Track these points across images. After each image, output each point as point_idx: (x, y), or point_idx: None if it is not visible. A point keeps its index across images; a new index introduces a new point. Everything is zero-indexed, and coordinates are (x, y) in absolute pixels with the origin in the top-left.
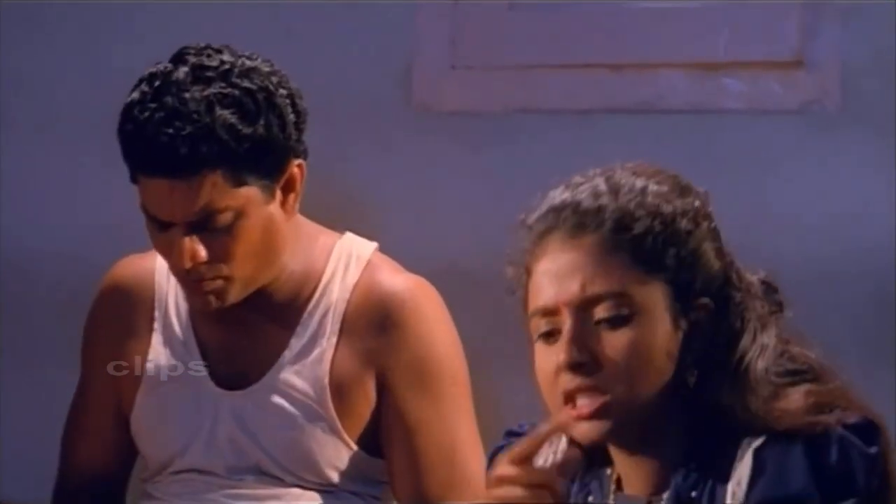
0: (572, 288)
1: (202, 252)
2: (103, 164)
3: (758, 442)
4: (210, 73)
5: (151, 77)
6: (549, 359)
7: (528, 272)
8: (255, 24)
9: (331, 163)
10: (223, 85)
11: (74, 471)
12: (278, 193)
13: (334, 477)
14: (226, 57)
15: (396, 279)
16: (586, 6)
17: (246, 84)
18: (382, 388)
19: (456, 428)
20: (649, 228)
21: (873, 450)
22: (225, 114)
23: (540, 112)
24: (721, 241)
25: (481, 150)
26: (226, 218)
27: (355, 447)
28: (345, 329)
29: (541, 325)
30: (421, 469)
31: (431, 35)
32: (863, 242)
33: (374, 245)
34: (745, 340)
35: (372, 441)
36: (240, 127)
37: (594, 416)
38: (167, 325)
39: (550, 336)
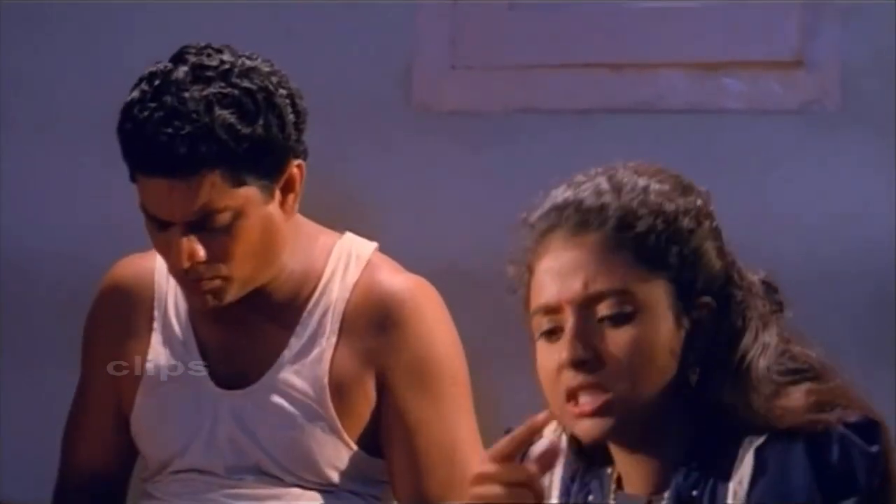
0: (575, 286)
1: (201, 252)
2: (103, 164)
3: (759, 441)
4: (210, 73)
5: (151, 76)
6: (551, 357)
7: (530, 270)
8: (255, 24)
9: (331, 163)
10: (223, 85)
11: (75, 471)
12: (277, 193)
13: (334, 477)
14: (226, 57)
15: (396, 279)
16: (586, 6)
17: (245, 84)
18: (382, 388)
19: (456, 428)
20: (652, 227)
21: (874, 448)
22: (224, 114)
23: (540, 112)
24: (722, 241)
25: (481, 150)
26: (224, 218)
27: (355, 447)
28: (344, 329)
29: (543, 323)
30: (421, 469)
31: (431, 35)
32: (863, 242)
33: (373, 245)
34: (747, 339)
35: (372, 441)
36: (239, 127)
37: (596, 413)
38: (167, 325)
39: (552, 334)
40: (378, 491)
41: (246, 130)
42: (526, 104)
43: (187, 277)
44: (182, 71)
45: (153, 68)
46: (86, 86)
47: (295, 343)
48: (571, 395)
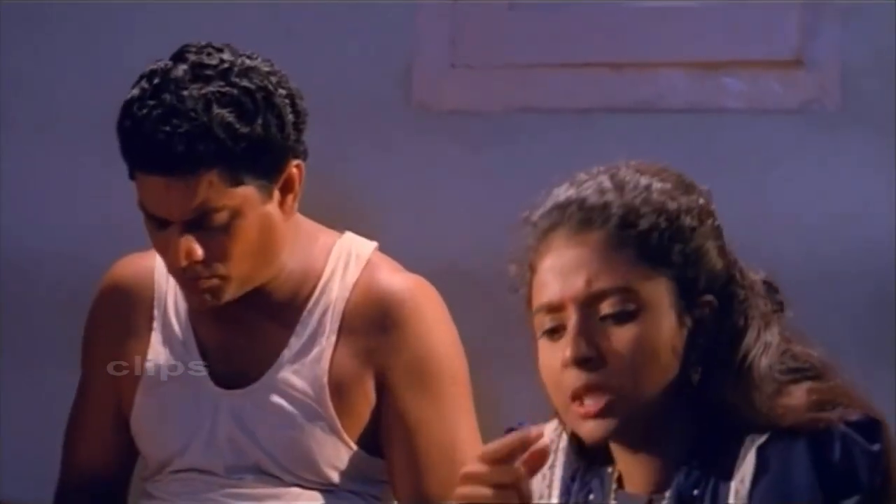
0: (578, 283)
1: (198, 251)
2: (103, 164)
3: (761, 439)
4: (209, 72)
5: (151, 74)
6: (553, 355)
7: (533, 269)
8: (255, 24)
9: (331, 162)
10: (222, 84)
11: (75, 471)
12: (276, 193)
13: (334, 476)
14: (226, 56)
15: (396, 278)
16: (586, 6)
17: (245, 83)
18: (382, 388)
19: (456, 427)
20: (655, 225)
21: (876, 447)
22: (222, 112)
23: (540, 111)
24: (723, 240)
25: (481, 149)
26: (222, 217)
27: (354, 446)
28: (344, 328)
29: (545, 321)
30: (421, 469)
31: (431, 34)
32: (863, 242)
33: (373, 244)
34: (749, 338)
35: (371, 440)
36: (237, 126)
37: (601, 414)
38: (166, 325)
39: (555, 332)
40: (378, 490)
41: (244, 130)
42: (526, 104)
43: (185, 276)
44: (181, 69)
45: (153, 66)
46: (86, 86)
47: (295, 342)
48: (576, 396)
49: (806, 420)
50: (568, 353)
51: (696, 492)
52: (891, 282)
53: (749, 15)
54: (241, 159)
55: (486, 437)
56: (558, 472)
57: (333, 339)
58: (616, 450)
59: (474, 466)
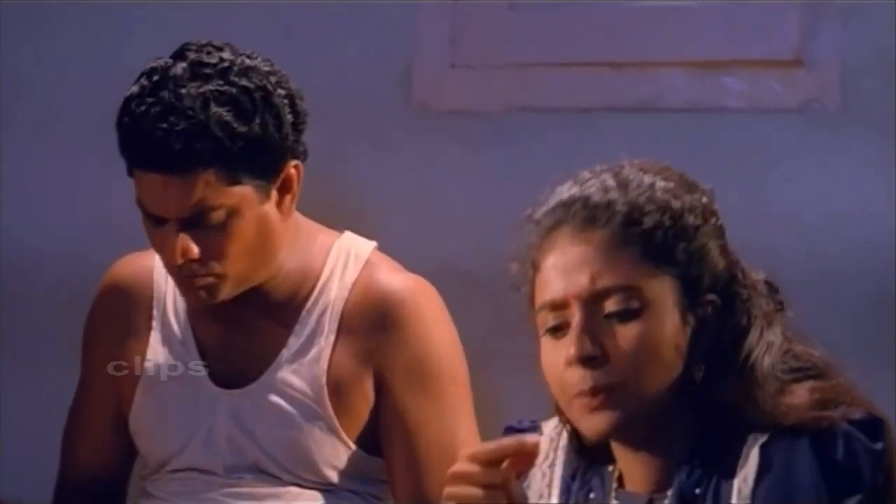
0: (582, 281)
1: (194, 249)
2: (103, 164)
3: (763, 438)
4: (208, 70)
5: (151, 71)
6: (557, 353)
7: (536, 267)
8: (255, 24)
9: (330, 162)
10: (220, 82)
11: (75, 470)
12: (274, 194)
13: (333, 476)
14: (226, 55)
15: (395, 278)
16: (586, 5)
17: (243, 82)
18: (381, 388)
19: (456, 428)
20: (659, 223)
21: (878, 445)
22: (220, 111)
23: (540, 111)
24: (726, 239)
25: (481, 149)
26: (219, 216)
27: (353, 446)
28: (343, 328)
29: (548, 319)
30: (420, 469)
31: (431, 34)
32: (863, 242)
33: (372, 244)
34: (752, 337)
35: (370, 440)
36: (235, 125)
37: (604, 409)
38: (165, 324)
39: (558, 330)
40: (377, 490)
41: (242, 129)
42: (526, 103)
43: (181, 274)
44: (181, 67)
45: (153, 64)
46: (86, 86)
47: (293, 342)
48: (581, 394)
49: (809, 419)
50: (572, 350)
51: (697, 490)
52: (891, 282)
53: (749, 15)
54: (238, 158)
55: (486, 437)
56: (558, 471)
57: (332, 338)
58: (617, 448)
59: (464, 466)
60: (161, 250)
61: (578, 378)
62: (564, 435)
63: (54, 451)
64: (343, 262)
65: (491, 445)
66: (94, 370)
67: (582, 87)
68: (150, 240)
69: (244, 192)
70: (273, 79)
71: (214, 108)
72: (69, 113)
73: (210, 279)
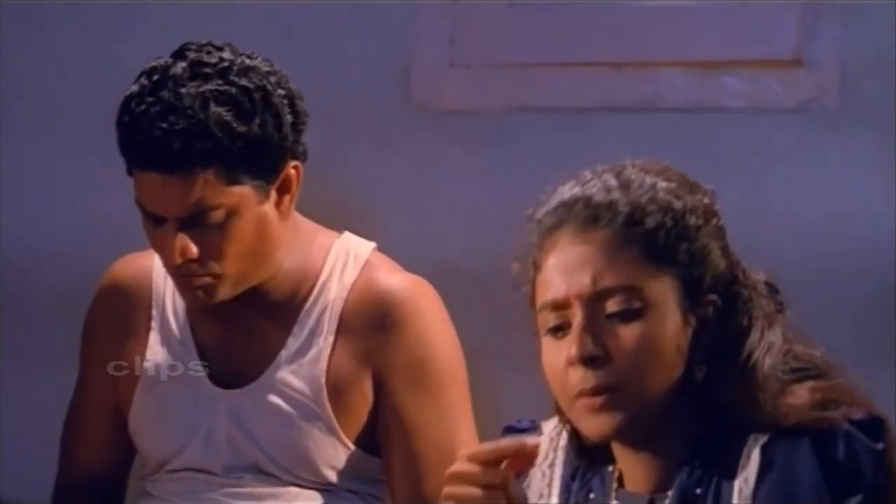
0: (584, 281)
1: (193, 249)
2: (103, 163)
3: (764, 438)
4: (208, 70)
5: (151, 71)
6: (558, 353)
7: (537, 267)
8: (255, 24)
9: (330, 162)
10: (220, 82)
11: (74, 469)
12: (273, 194)
13: (332, 476)
14: (226, 54)
15: (394, 278)
16: (586, 5)
17: (243, 82)
18: (380, 388)
19: (455, 428)
20: (661, 223)
21: (880, 445)
22: (220, 111)
23: (540, 111)
24: (727, 240)
25: (481, 149)
26: (218, 215)
27: (352, 446)
28: (342, 328)
29: (550, 319)
30: (419, 469)
31: (431, 34)
32: (863, 242)
33: (372, 244)
34: (753, 338)
35: (369, 440)
36: (234, 125)
37: (606, 410)
38: (165, 324)
39: (559, 330)
40: (376, 490)
41: (241, 129)
42: (526, 103)
43: (179, 273)
44: (180, 67)
45: (153, 63)
46: (86, 86)
47: (292, 342)
48: (582, 394)
49: (810, 419)
50: (573, 350)
51: (698, 490)
52: (891, 282)
53: (749, 15)
54: (237, 158)
55: (485, 437)
56: (558, 471)
57: (331, 339)
58: (617, 448)
59: (463, 466)
60: (160, 250)
61: (580, 378)
62: (564, 435)
63: (54, 451)
64: (342, 262)
65: (490, 446)
66: (92, 370)
67: (582, 86)
68: (149, 239)
69: (243, 192)
70: (273, 79)
71: (214, 108)
72: (69, 113)
73: (208, 279)
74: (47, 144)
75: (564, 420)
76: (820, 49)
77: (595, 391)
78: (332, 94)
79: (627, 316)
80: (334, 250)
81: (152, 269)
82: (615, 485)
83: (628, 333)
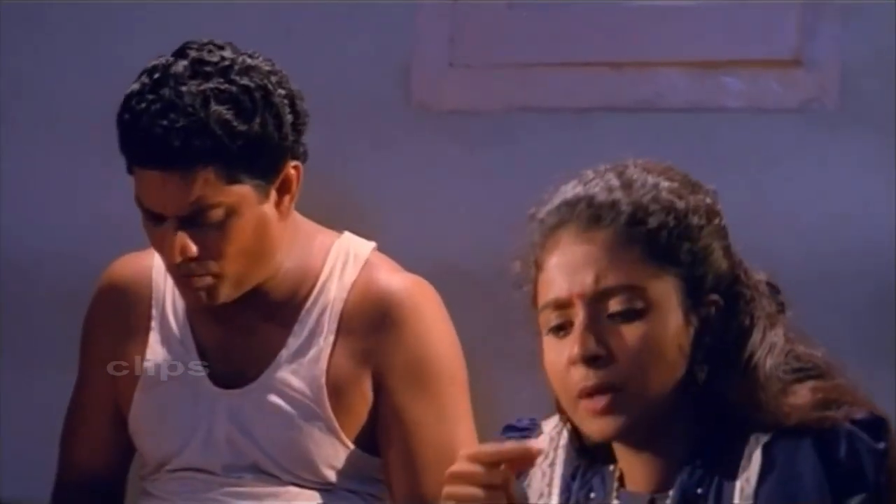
0: (586, 280)
1: (192, 247)
2: (103, 163)
3: (766, 438)
4: (209, 69)
5: (152, 69)
6: (560, 352)
7: (539, 266)
8: (255, 24)
9: (330, 162)
10: (221, 81)
11: (73, 469)
12: (273, 194)
13: (332, 476)
14: (227, 53)
15: (394, 278)
16: (586, 5)
17: (244, 81)
18: (380, 388)
19: (454, 428)
20: (663, 223)
21: (881, 445)
22: (220, 109)
23: (539, 111)
24: (729, 240)
25: (481, 149)
26: (217, 214)
27: (352, 446)
28: (342, 328)
29: (551, 318)
30: (417, 469)
31: (431, 34)
32: (863, 242)
33: (372, 244)
34: (755, 338)
35: (369, 440)
36: (234, 123)
37: (609, 411)
38: (164, 324)
39: (561, 329)
40: (376, 489)
41: (241, 127)
42: (525, 103)
43: (179, 273)
44: (182, 65)
45: (154, 61)
46: (86, 86)
47: (293, 342)
48: (583, 394)
49: (811, 419)
50: (576, 350)
51: (699, 490)
52: (891, 282)
53: (748, 14)
54: (237, 157)
55: (485, 436)
56: (558, 470)
57: (331, 339)
58: (618, 448)
59: (464, 466)
60: (160, 248)
61: (581, 377)
62: (565, 434)
63: (54, 451)
64: (342, 262)
65: (493, 447)
66: (92, 369)
67: (581, 86)
68: (149, 238)
69: (243, 191)
70: (274, 78)
71: (214, 107)
72: (69, 112)
73: (209, 279)
74: (47, 144)
75: (565, 419)
76: (820, 49)
77: (597, 390)
78: (332, 94)
79: (630, 315)
80: (334, 250)
81: (152, 268)
82: (616, 484)
83: (630, 333)
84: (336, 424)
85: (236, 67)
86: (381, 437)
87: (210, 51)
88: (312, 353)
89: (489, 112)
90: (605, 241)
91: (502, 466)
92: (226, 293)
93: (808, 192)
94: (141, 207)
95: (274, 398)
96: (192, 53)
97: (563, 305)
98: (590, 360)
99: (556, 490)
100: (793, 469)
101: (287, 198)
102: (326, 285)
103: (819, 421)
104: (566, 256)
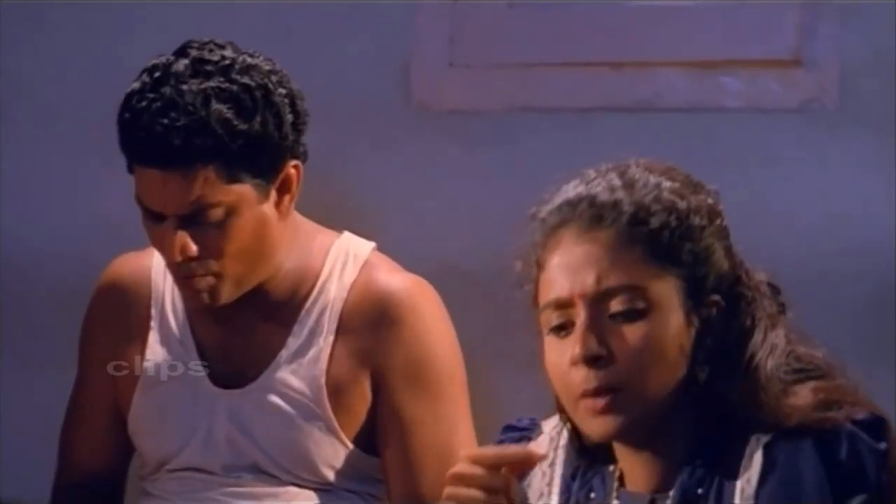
0: (588, 280)
1: (192, 246)
2: (103, 163)
3: (767, 439)
4: (209, 67)
5: (153, 68)
6: (561, 352)
7: (540, 266)
8: (255, 24)
9: (330, 162)
10: (222, 80)
11: (72, 469)
12: (273, 193)
13: (331, 476)
14: (227, 52)
15: (394, 278)
16: (586, 5)
17: (245, 80)
18: (379, 387)
19: (452, 429)
20: (665, 223)
21: (882, 445)
22: (221, 108)
23: (539, 111)
24: (730, 240)
25: (481, 148)
26: (217, 213)
27: (352, 446)
28: (342, 328)
29: (553, 318)
30: (415, 469)
31: (431, 34)
32: (862, 242)
33: (371, 244)
34: (756, 339)
35: (369, 440)
36: (235, 122)
37: (610, 411)
38: (164, 324)
39: (562, 329)
40: (376, 489)
41: (242, 126)
42: (525, 103)
43: (179, 272)
44: (182, 64)
45: (155, 60)
46: (86, 86)
47: (292, 342)
48: (585, 394)
49: (812, 419)
50: (577, 350)
51: (700, 490)
52: (891, 282)
53: (748, 14)
54: (238, 156)
55: (484, 436)
56: (558, 470)
57: (331, 339)
58: (618, 448)
59: (466, 468)
60: (160, 247)
61: (583, 378)
62: (565, 434)
63: (54, 451)
64: (342, 262)
65: (495, 450)
66: (91, 369)
67: (581, 86)
68: (149, 237)
69: (243, 190)
70: (274, 78)
71: (215, 105)
72: (69, 112)
73: (210, 279)
74: (47, 144)
75: (565, 418)
76: (819, 49)
77: (598, 392)
78: (332, 94)
79: (631, 316)
80: (334, 250)
81: (151, 268)
82: (616, 484)
83: (632, 333)
84: (336, 424)
85: (237, 66)
86: (379, 436)
87: (211, 50)
88: (312, 353)
89: (489, 112)
90: (606, 240)
91: (503, 469)
92: (227, 293)
93: (808, 192)
94: (141, 206)
95: (274, 398)
96: (193, 52)
97: (564, 305)
98: (591, 361)
99: (556, 490)
100: (794, 469)
101: (287, 197)
102: (326, 285)
103: (820, 421)
104: (568, 256)
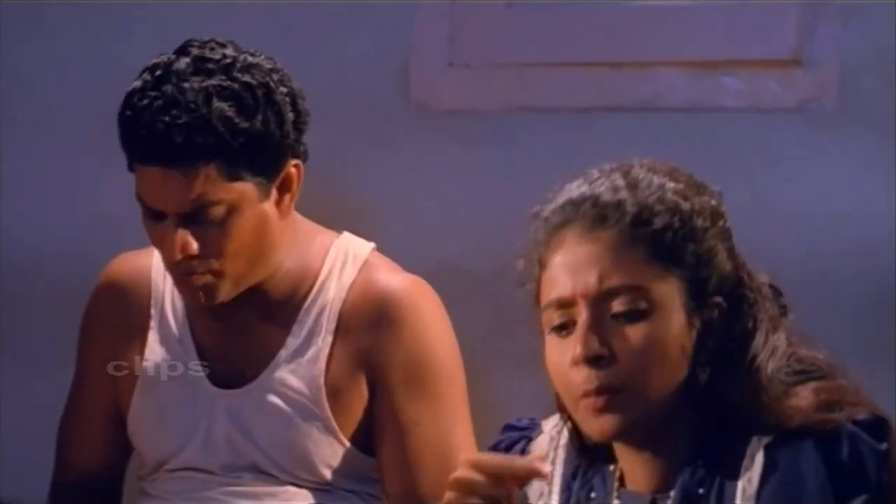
0: (590, 280)
1: (193, 245)
2: (103, 163)
3: (768, 439)
4: (211, 66)
5: (154, 66)
6: (562, 352)
7: (542, 265)
8: (255, 24)
9: (329, 162)
10: (223, 78)
11: (71, 468)
12: (274, 192)
13: (329, 475)
14: (228, 51)
15: (393, 278)
16: (585, 5)
17: (246, 79)
18: (377, 387)
19: (450, 429)
20: (668, 224)
21: (883, 446)
22: (222, 106)
23: (539, 110)
24: (733, 242)
25: (480, 148)
26: (218, 211)
27: (350, 446)
28: (341, 328)
29: (554, 317)
30: (413, 469)
31: (430, 34)
32: (862, 242)
33: (371, 245)
34: (758, 341)
35: (367, 440)
36: (236, 120)
37: (611, 410)
38: (163, 324)
39: (564, 329)
40: (374, 489)
41: (243, 125)
42: (525, 103)
43: (179, 270)
44: (184, 62)
45: (156, 59)
46: (86, 86)
47: (291, 342)
48: (587, 394)
49: (814, 420)
50: (578, 350)
51: (701, 490)
52: (891, 282)
53: (748, 14)
54: (239, 154)
55: (484, 436)
56: (559, 470)
57: (330, 339)
58: (619, 448)
59: (468, 474)
60: (160, 246)
61: (584, 377)
62: (565, 433)
63: (54, 450)
64: (341, 262)
65: (498, 459)
66: (90, 368)
67: (581, 86)
68: (149, 236)
69: (244, 188)
70: (275, 76)
71: (216, 103)
72: (69, 112)
73: (209, 277)
74: (47, 144)
75: (566, 417)
76: (819, 49)
77: (599, 391)
78: (332, 94)
79: (633, 316)
80: (333, 250)
81: (151, 267)
82: (617, 484)
83: (633, 334)
84: (334, 424)
85: (238, 65)
86: (376, 435)
87: (212, 48)
88: (311, 352)
89: (488, 112)
90: (609, 240)
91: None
92: (225, 292)
93: (808, 191)
94: (142, 205)
95: (273, 398)
96: (194, 51)
97: (566, 305)
98: (592, 361)
99: (556, 489)
100: (795, 470)
101: (287, 196)
102: (325, 285)
103: (821, 422)
104: (570, 255)
